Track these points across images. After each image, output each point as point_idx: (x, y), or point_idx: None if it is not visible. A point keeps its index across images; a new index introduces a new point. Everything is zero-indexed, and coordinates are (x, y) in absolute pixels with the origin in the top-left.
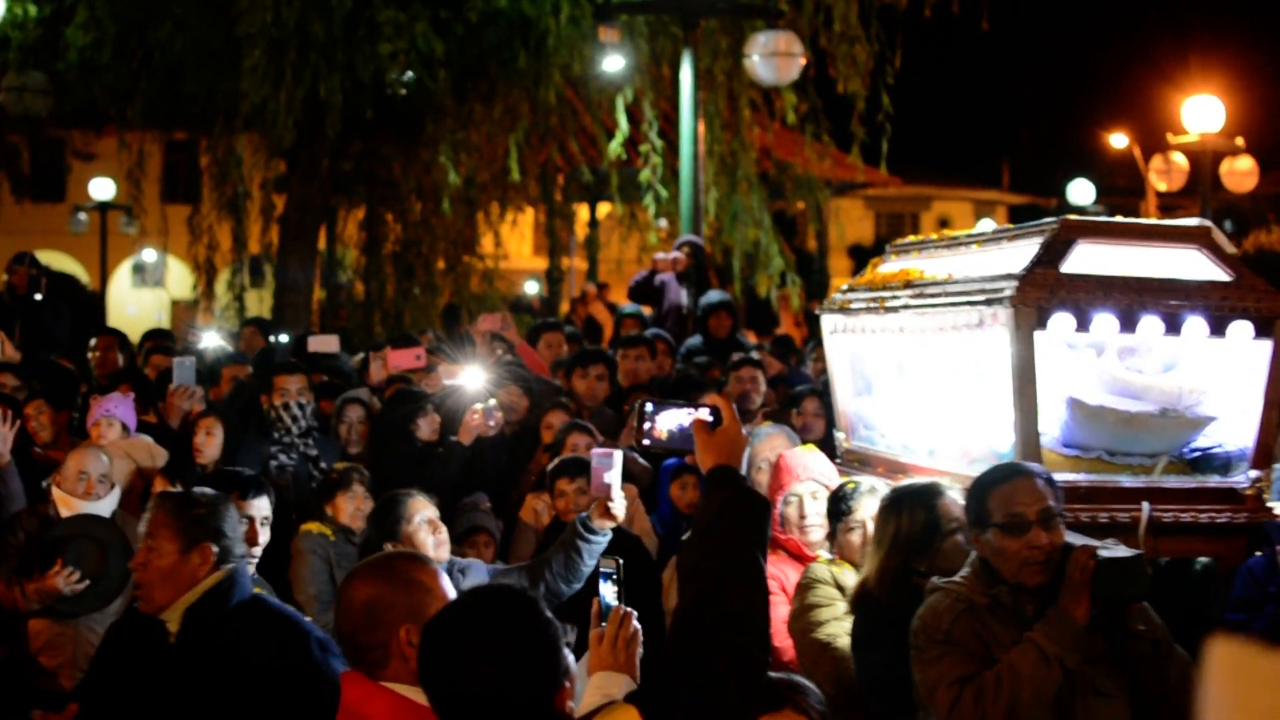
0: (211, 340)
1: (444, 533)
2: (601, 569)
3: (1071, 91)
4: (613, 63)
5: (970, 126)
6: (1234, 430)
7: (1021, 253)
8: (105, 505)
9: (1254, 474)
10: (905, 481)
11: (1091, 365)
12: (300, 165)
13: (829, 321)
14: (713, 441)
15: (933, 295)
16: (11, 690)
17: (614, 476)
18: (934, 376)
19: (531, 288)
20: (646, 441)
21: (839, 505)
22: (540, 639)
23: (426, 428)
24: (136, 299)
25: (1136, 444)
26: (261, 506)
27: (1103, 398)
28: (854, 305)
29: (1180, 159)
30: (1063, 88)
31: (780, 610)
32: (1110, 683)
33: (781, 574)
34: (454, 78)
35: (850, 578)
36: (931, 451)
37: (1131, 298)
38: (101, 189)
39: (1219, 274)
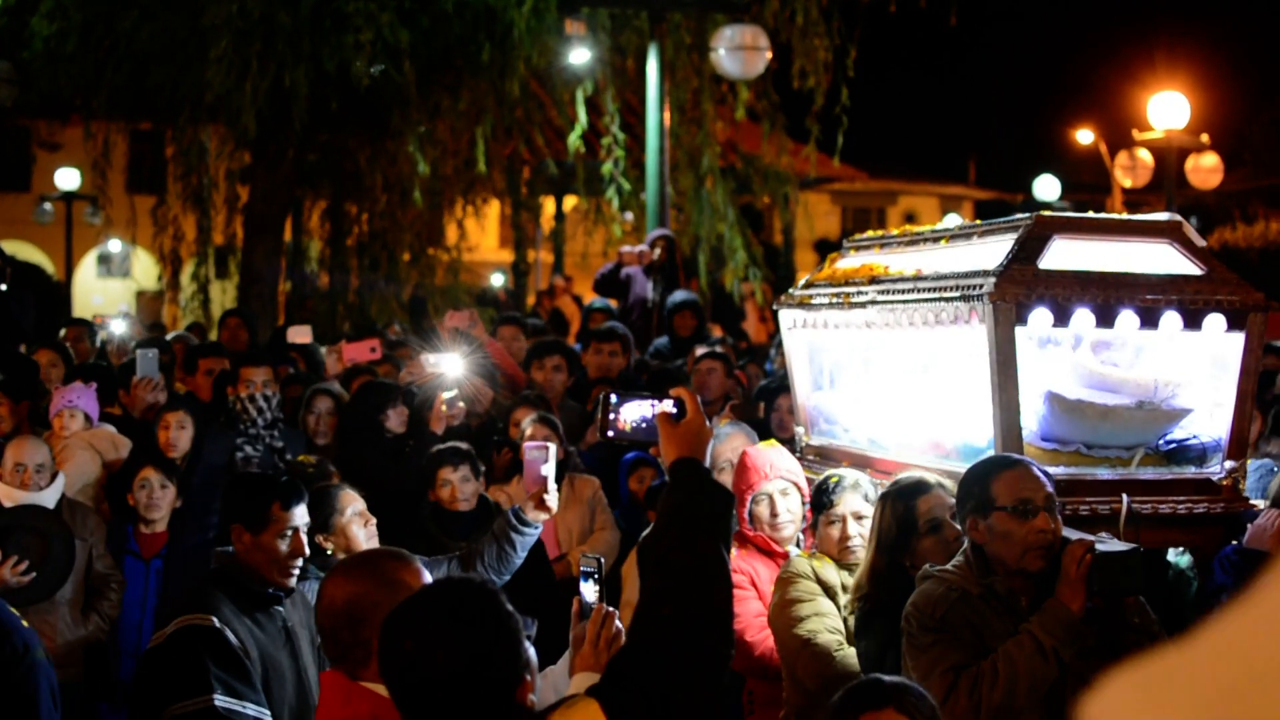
0: (119, 328)
1: (374, 525)
2: (582, 567)
3: (1038, 88)
4: (578, 55)
5: (937, 122)
6: (1209, 422)
7: (993, 249)
8: (48, 495)
9: (1229, 465)
10: (898, 476)
11: (1068, 359)
12: (265, 157)
13: (788, 316)
14: (676, 434)
15: (903, 291)
16: None
17: (549, 469)
18: (903, 371)
19: (497, 280)
20: (610, 433)
21: (821, 498)
22: (501, 631)
23: (396, 419)
24: (102, 289)
25: (1114, 437)
26: (302, 514)
27: (1080, 391)
28: (815, 300)
29: (1145, 155)
30: (1029, 84)
31: (750, 605)
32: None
33: (751, 569)
34: (420, 69)
35: (831, 572)
36: (900, 445)
37: (1108, 293)
38: (67, 179)
39: (1191, 268)
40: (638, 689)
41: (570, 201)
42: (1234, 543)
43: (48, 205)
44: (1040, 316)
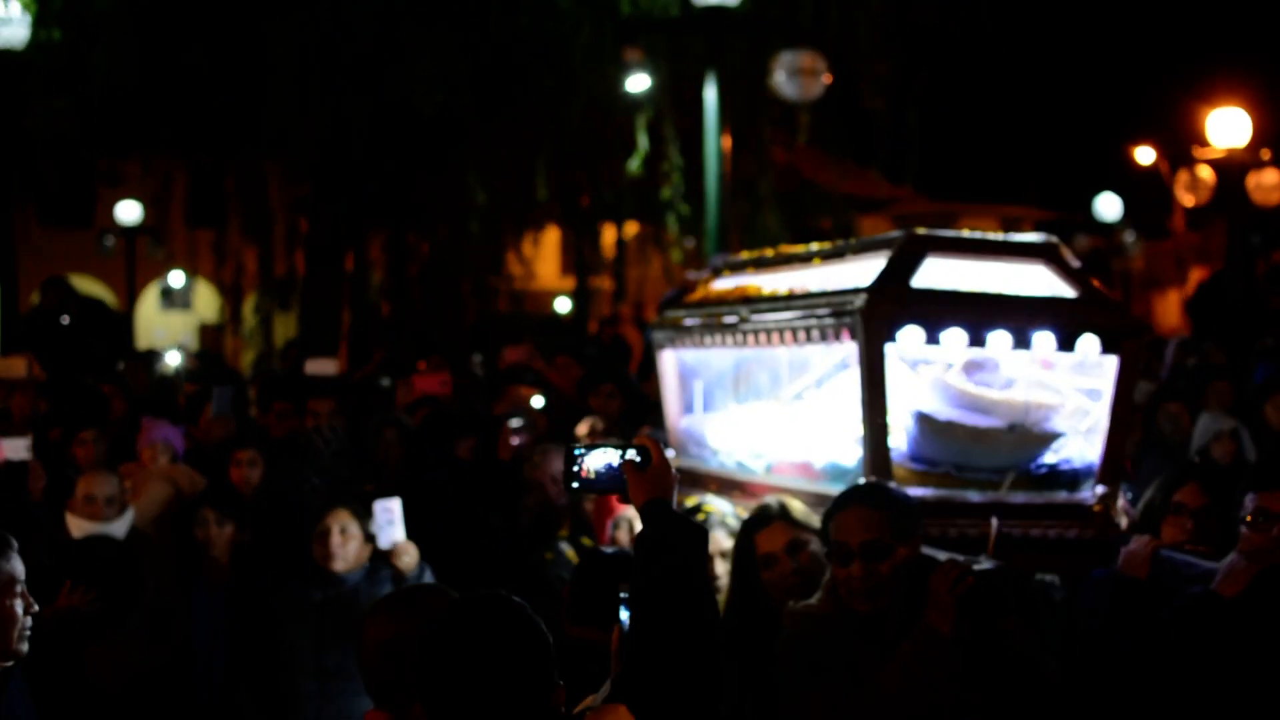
0: (173, 360)
1: (354, 542)
2: (622, 594)
3: (1098, 107)
4: (636, 82)
5: (997, 143)
6: (1082, 446)
7: (866, 267)
8: (118, 527)
9: (1100, 490)
10: (756, 505)
11: (940, 380)
12: (326, 188)
13: (659, 338)
14: (644, 479)
15: (775, 310)
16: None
17: (396, 531)
18: (773, 392)
19: (563, 306)
20: (575, 484)
21: None
22: (531, 643)
23: (464, 449)
24: (165, 322)
25: (985, 459)
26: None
27: (951, 413)
28: (687, 322)
29: (1207, 173)
30: (1089, 103)
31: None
32: (976, 697)
33: None
34: (479, 99)
35: None
36: (769, 468)
37: (981, 312)
38: (128, 212)
39: (1067, 290)
40: (650, 691)
41: (631, 228)
42: (1103, 569)
43: (110, 239)
44: (911, 335)
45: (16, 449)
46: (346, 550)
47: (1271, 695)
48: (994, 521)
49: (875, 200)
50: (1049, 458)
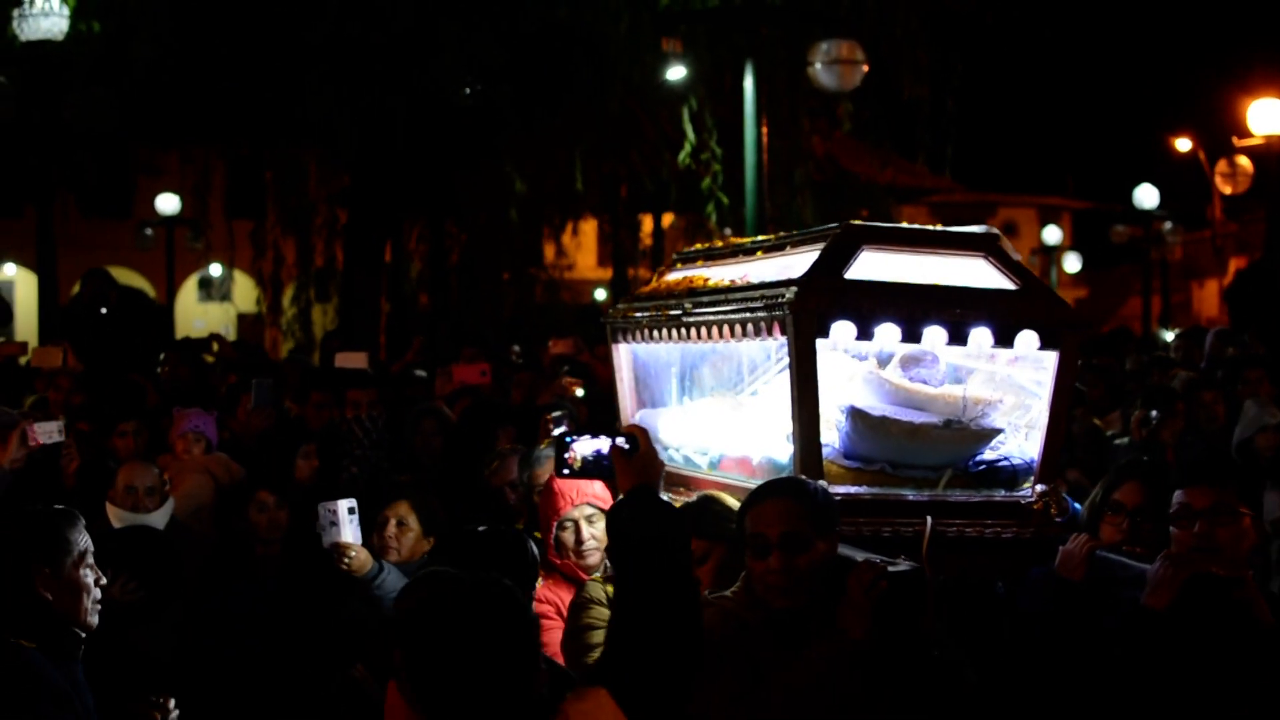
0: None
1: (411, 534)
2: None
3: (1136, 97)
4: (674, 72)
5: (1034, 133)
6: (1020, 443)
7: (803, 260)
8: (158, 518)
9: (1040, 488)
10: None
11: (874, 375)
12: (364, 179)
13: (611, 332)
14: (631, 466)
15: (713, 303)
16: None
17: (345, 531)
18: (715, 387)
19: (600, 296)
20: (565, 470)
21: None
22: (517, 626)
23: (504, 440)
24: (203, 313)
25: (920, 456)
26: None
27: (885, 408)
28: (637, 314)
29: (1245, 162)
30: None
31: (556, 635)
32: (886, 701)
33: (558, 599)
34: (517, 89)
35: None
36: (713, 463)
37: (915, 306)
38: (167, 204)
39: (1005, 283)
40: (631, 678)
41: (668, 218)
42: (1039, 568)
43: (149, 230)
44: (843, 329)
45: (49, 432)
46: (402, 542)
47: (1207, 711)
48: (928, 520)
49: (914, 190)
50: (987, 455)
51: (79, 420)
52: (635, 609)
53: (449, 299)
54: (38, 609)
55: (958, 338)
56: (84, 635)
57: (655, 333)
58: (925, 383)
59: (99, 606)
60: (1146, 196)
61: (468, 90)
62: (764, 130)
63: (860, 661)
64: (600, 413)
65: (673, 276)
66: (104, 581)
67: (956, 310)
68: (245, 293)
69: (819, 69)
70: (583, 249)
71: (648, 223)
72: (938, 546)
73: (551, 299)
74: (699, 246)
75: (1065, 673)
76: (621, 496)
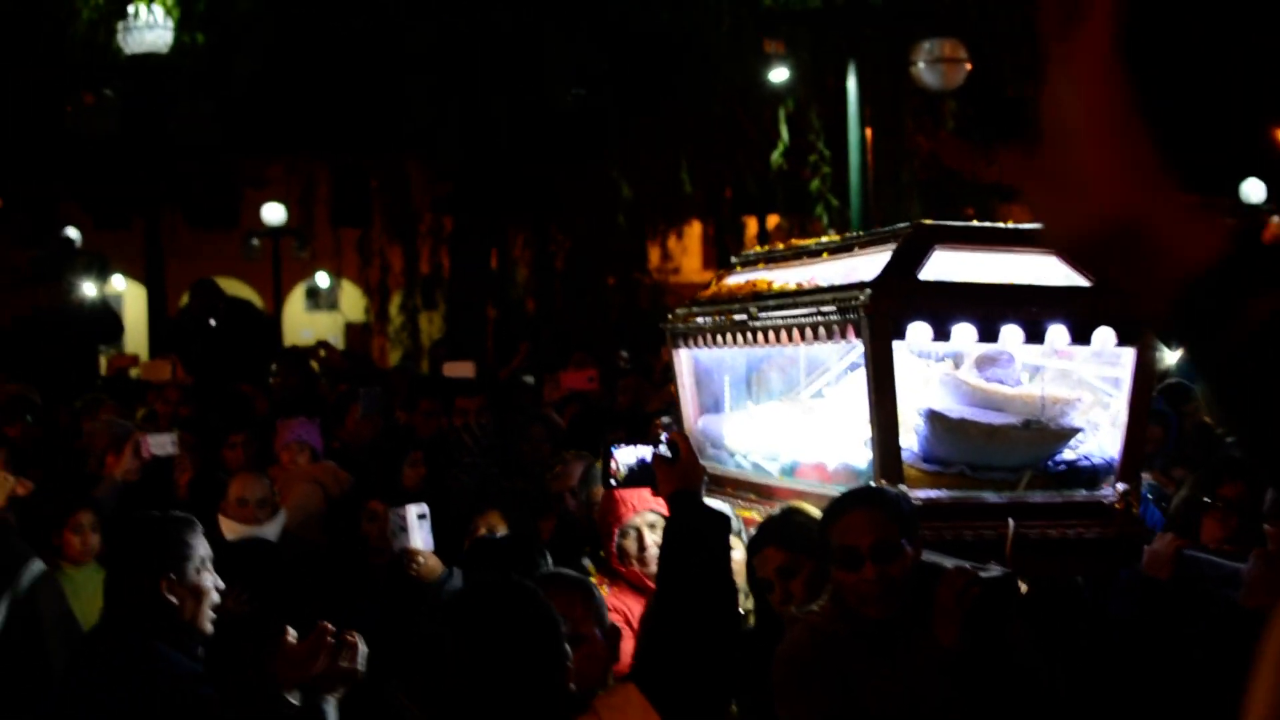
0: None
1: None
2: None
3: (1241, 89)
4: (777, 74)
5: None
6: (1101, 442)
7: (874, 261)
8: (270, 529)
9: (1121, 487)
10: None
11: (950, 377)
12: (469, 185)
13: (672, 338)
14: (673, 472)
15: (782, 307)
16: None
17: (415, 537)
18: (784, 391)
19: None
20: (613, 482)
21: None
22: (541, 625)
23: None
24: (311, 322)
25: (1000, 458)
26: None
27: (963, 410)
28: (700, 320)
29: None
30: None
31: (629, 645)
32: (977, 710)
33: (625, 607)
34: (619, 93)
35: None
36: (785, 470)
37: (991, 305)
38: (273, 214)
39: (1079, 279)
40: (668, 679)
41: (773, 220)
42: (1127, 570)
43: (255, 241)
44: (919, 330)
45: (162, 444)
46: None
47: None
48: (1010, 523)
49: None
50: (1067, 454)
51: (185, 432)
52: (676, 610)
53: (555, 305)
54: (164, 612)
55: (1034, 336)
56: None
57: (719, 338)
58: (1002, 382)
59: (214, 613)
60: (1253, 190)
61: (571, 95)
62: (868, 131)
63: (952, 669)
64: None
65: (733, 280)
66: (221, 586)
67: (1032, 308)
68: (353, 301)
69: (922, 68)
70: (688, 253)
71: (752, 225)
72: (1020, 549)
73: (657, 303)
74: (758, 249)
75: (1153, 676)
76: (668, 507)
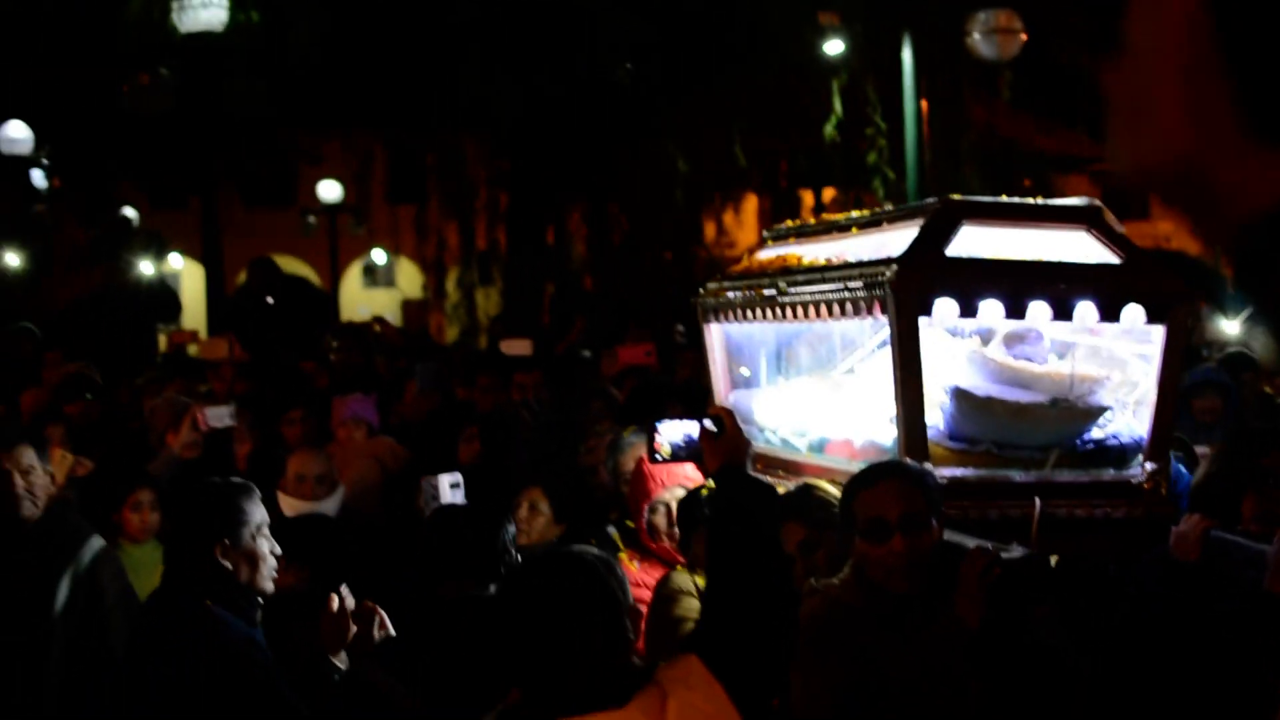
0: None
1: (542, 519)
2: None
3: None
4: (832, 46)
5: None
6: (1129, 420)
7: (902, 236)
8: (329, 505)
9: (1150, 466)
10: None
11: (978, 354)
12: (525, 161)
13: (703, 312)
14: (718, 447)
15: (810, 282)
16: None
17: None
18: (814, 367)
19: None
20: (658, 457)
21: (693, 513)
22: (607, 598)
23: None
24: (368, 299)
25: (1027, 436)
26: None
27: (990, 388)
28: (729, 294)
29: None
30: None
31: None
32: (998, 689)
33: (655, 583)
34: (674, 67)
35: None
36: (813, 446)
37: (1019, 281)
38: (329, 191)
39: (1109, 256)
40: (726, 651)
41: (829, 193)
42: (1155, 550)
43: (311, 218)
44: (945, 306)
45: (220, 417)
46: (532, 526)
47: None
48: (1037, 502)
49: (1075, 159)
50: (1095, 433)
51: (242, 409)
52: (728, 584)
53: (611, 280)
54: (220, 577)
55: (1062, 313)
56: (261, 601)
57: (749, 312)
58: (1030, 360)
59: (274, 574)
60: None
61: (623, 69)
62: (923, 103)
63: (972, 649)
64: None
65: (765, 255)
66: (278, 552)
67: (1061, 285)
68: (410, 278)
69: (978, 38)
70: (743, 227)
71: (808, 198)
72: (1047, 528)
73: (713, 278)
74: (790, 224)
75: (1179, 657)
76: (715, 482)
